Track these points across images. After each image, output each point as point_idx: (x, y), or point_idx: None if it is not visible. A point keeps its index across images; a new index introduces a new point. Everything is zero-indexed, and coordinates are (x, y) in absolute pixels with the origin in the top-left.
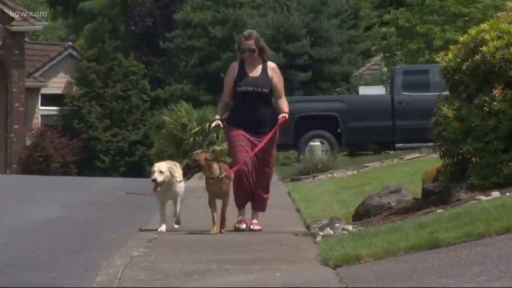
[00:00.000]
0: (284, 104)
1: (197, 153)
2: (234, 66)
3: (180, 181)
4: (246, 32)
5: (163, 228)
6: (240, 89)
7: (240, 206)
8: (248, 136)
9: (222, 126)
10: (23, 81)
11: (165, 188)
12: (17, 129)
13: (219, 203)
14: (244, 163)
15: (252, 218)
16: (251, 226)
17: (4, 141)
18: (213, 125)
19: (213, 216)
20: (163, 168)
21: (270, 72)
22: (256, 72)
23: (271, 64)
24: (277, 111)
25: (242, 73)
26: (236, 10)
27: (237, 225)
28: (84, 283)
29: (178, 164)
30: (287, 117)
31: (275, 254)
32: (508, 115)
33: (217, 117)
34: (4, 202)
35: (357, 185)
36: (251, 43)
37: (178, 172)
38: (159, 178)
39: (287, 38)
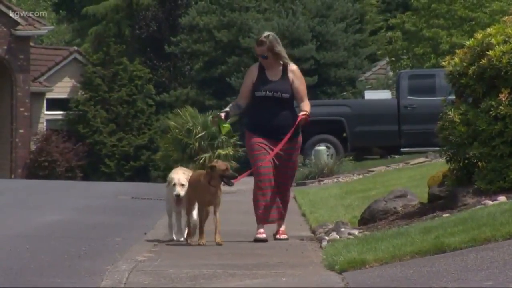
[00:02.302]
0: (306, 105)
1: (216, 161)
2: (254, 69)
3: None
4: (260, 37)
5: (175, 237)
6: (259, 94)
7: (263, 221)
8: (268, 143)
9: (223, 117)
10: (28, 86)
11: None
12: (22, 134)
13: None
14: (259, 168)
15: (279, 226)
16: (277, 236)
17: (9, 146)
18: (214, 116)
19: (203, 226)
20: (183, 181)
21: (290, 76)
22: (276, 76)
23: (292, 67)
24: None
25: (262, 76)
26: (241, 14)
27: (257, 235)
28: None
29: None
30: (308, 115)
31: (280, 259)
32: None
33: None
34: (9, 207)
35: (363, 189)
36: (263, 49)
37: None
38: (182, 192)
39: (292, 43)
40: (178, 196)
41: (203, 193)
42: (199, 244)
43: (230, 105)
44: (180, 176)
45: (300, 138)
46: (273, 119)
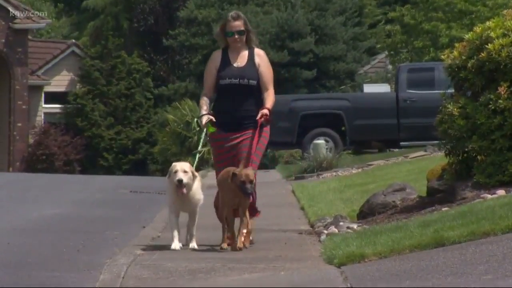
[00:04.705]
0: (269, 98)
1: (241, 170)
2: (217, 55)
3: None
4: (233, 12)
5: (176, 245)
6: (224, 82)
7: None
8: (229, 140)
9: (214, 120)
10: (26, 79)
11: (185, 195)
12: (20, 127)
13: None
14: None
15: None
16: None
17: (7, 139)
18: (204, 121)
19: (232, 227)
20: (186, 168)
21: (257, 60)
22: (242, 61)
23: (258, 51)
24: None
25: (226, 62)
26: (240, 8)
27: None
28: (87, 281)
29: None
30: (266, 113)
31: (279, 253)
32: None
33: (204, 111)
34: (7, 200)
35: (362, 183)
36: (239, 24)
37: (197, 183)
38: (185, 178)
39: (291, 36)
40: (180, 181)
41: (233, 194)
42: (221, 248)
43: (203, 104)
44: (183, 163)
45: (263, 135)
46: (238, 109)
